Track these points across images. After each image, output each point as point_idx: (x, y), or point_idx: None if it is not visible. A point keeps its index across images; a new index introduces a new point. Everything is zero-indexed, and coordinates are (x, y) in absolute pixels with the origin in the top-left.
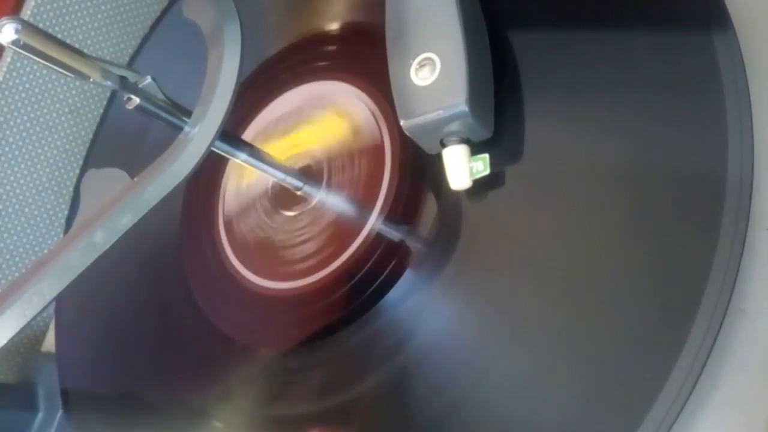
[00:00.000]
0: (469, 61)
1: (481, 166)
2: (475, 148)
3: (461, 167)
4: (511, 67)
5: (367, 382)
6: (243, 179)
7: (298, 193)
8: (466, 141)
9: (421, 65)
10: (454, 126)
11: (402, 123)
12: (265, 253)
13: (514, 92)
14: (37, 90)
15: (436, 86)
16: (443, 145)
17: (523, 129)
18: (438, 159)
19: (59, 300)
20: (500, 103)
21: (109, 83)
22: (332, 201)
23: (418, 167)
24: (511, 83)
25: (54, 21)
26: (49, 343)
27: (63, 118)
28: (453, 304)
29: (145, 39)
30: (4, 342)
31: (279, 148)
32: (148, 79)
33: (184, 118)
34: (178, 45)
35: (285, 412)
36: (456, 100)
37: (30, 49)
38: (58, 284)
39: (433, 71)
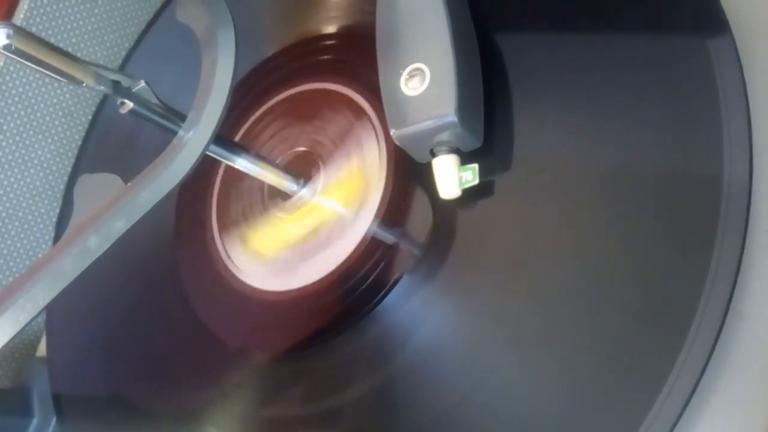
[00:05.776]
0: (458, 72)
1: (471, 176)
2: (465, 158)
3: (450, 177)
4: (501, 76)
5: (363, 387)
6: (237, 182)
7: (294, 196)
8: (455, 151)
9: (411, 75)
10: (444, 136)
11: (392, 132)
12: (260, 257)
13: (505, 101)
14: (30, 94)
15: (425, 96)
16: (433, 154)
17: (514, 138)
18: None
19: (50, 304)
20: (490, 112)
21: (102, 88)
22: (328, 204)
23: (415, 171)
24: (502, 92)
25: (47, 25)
26: (44, 348)
27: (56, 122)
28: (449, 308)
29: (139, 42)
30: None
31: (274, 151)
32: (142, 83)
33: (179, 123)
34: (172, 48)
35: (280, 417)
36: (445, 110)
37: (22, 54)
38: (52, 290)
39: (423, 81)
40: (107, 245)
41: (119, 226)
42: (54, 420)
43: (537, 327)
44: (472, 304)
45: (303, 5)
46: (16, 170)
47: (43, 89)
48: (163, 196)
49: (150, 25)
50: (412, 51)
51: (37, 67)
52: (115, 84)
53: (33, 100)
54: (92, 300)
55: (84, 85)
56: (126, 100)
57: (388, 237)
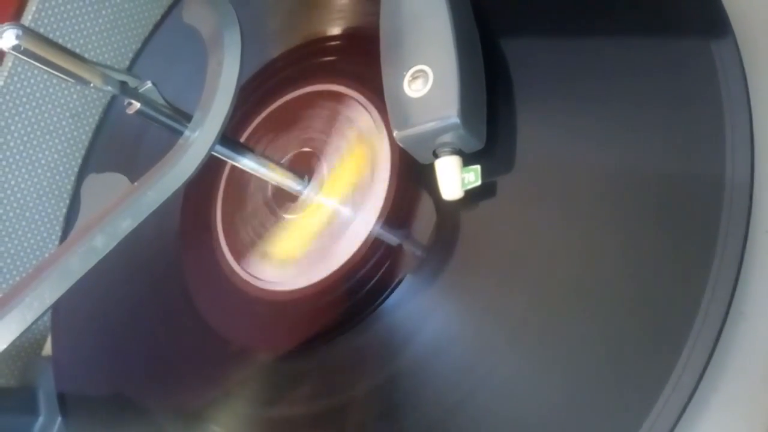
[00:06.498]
0: (461, 74)
1: (473, 177)
2: (468, 159)
3: (453, 178)
4: (504, 78)
5: (366, 387)
6: (242, 183)
7: (298, 196)
8: (458, 152)
9: (414, 77)
10: (447, 137)
11: (395, 134)
12: (264, 257)
13: (507, 103)
14: (37, 94)
15: (428, 98)
16: (436, 155)
17: (517, 139)
18: None
19: (55, 304)
20: (493, 114)
21: (109, 88)
22: (332, 205)
23: (418, 172)
24: (504, 94)
25: (55, 26)
26: (50, 347)
27: (64, 122)
28: (452, 309)
29: (146, 43)
30: (5, 346)
31: (278, 152)
32: (149, 84)
33: (185, 123)
34: (179, 49)
35: (283, 416)
36: (448, 111)
37: (31, 54)
38: (59, 289)
39: (426, 83)
40: (113, 244)
41: (125, 225)
42: (59, 419)
43: (538, 327)
44: (473, 305)
45: (308, 7)
46: (23, 170)
47: (50, 90)
48: (168, 196)
49: (157, 26)
50: (416, 53)
51: (46, 68)
52: (122, 84)
53: (40, 101)
54: (97, 300)
55: (91, 85)
56: (133, 101)
57: (391, 237)
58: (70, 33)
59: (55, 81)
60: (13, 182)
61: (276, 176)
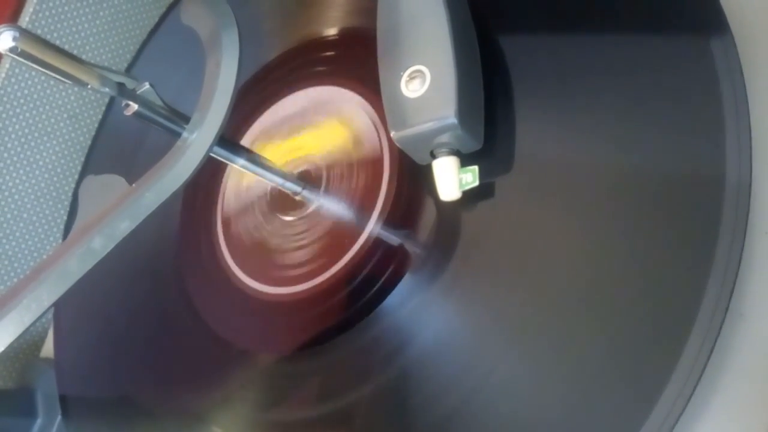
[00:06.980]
0: (458, 74)
1: (471, 177)
2: (466, 160)
3: (450, 179)
4: (501, 78)
5: (366, 388)
6: (241, 184)
7: (297, 198)
8: (455, 153)
9: (412, 77)
10: (444, 138)
11: (392, 134)
12: (264, 258)
13: (505, 103)
14: (35, 96)
15: (426, 98)
16: (433, 156)
17: (514, 139)
18: None
19: (58, 305)
20: (491, 114)
21: (107, 90)
22: (331, 206)
23: (417, 172)
24: (502, 94)
25: (52, 27)
26: (48, 348)
27: (61, 124)
28: (452, 308)
29: (143, 45)
30: (3, 348)
31: (277, 153)
32: (147, 86)
33: (183, 124)
34: (177, 51)
35: (284, 418)
36: (446, 112)
37: (28, 56)
38: (57, 290)
39: (423, 83)
40: (111, 246)
41: (124, 226)
42: (58, 420)
43: (538, 327)
44: (472, 305)
45: (305, 8)
46: (21, 172)
47: (48, 91)
48: (167, 198)
49: (155, 27)
50: (413, 53)
51: (43, 69)
52: (120, 86)
53: (38, 102)
54: (99, 301)
55: (89, 87)
56: (130, 102)
57: (390, 238)
58: (67, 34)
59: (52, 83)
60: (11, 184)
61: (275, 178)
